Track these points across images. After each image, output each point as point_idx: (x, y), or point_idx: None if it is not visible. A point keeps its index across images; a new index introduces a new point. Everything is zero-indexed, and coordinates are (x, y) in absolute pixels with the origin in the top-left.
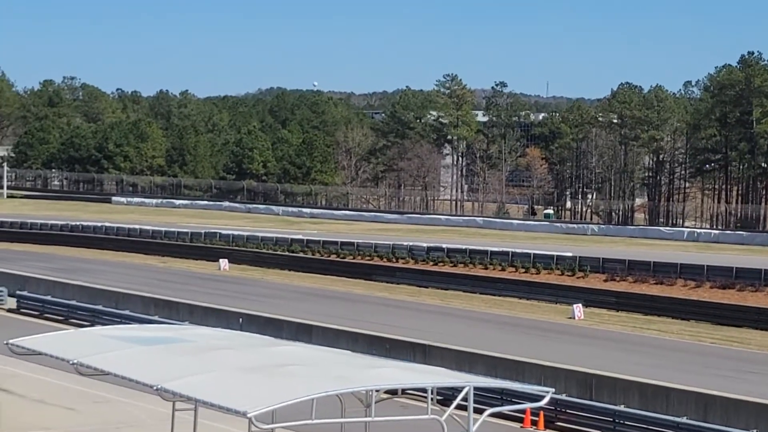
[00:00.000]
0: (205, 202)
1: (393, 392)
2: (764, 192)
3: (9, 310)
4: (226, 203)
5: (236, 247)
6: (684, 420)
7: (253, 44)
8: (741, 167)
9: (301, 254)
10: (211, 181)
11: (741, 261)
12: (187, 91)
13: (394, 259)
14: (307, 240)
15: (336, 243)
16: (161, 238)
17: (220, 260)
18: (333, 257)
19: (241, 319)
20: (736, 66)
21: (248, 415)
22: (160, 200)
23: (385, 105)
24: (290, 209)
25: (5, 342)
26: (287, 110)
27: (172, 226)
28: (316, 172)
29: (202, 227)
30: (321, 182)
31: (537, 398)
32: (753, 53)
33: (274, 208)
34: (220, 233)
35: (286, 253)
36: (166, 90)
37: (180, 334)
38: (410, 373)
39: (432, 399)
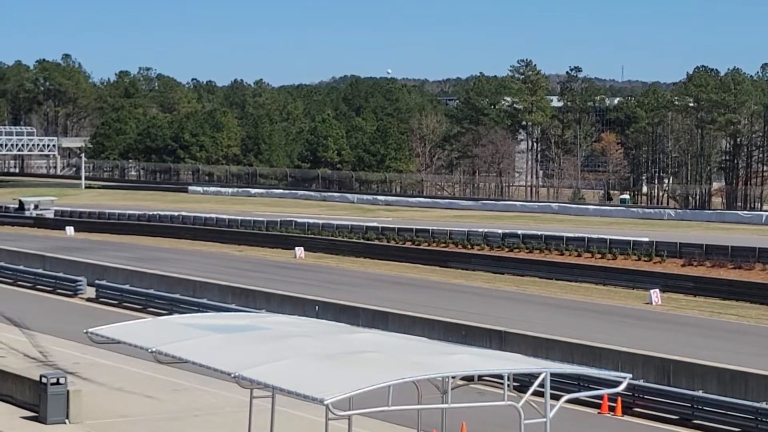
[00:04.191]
0: (281, 191)
1: (469, 379)
2: None
3: (88, 300)
4: (302, 191)
5: (311, 235)
6: (763, 405)
7: (326, 32)
8: None
9: (376, 242)
10: (286, 169)
11: None
12: (261, 80)
13: (469, 246)
14: (382, 227)
15: (411, 230)
16: (237, 227)
17: (296, 248)
18: (408, 244)
19: (317, 307)
20: None
21: (325, 402)
22: (235, 189)
23: (458, 91)
24: (365, 197)
25: (85, 331)
26: (361, 98)
27: (248, 215)
28: (391, 160)
29: (278, 216)
30: (395, 170)
31: (614, 384)
32: None
33: (348, 195)
34: (295, 221)
35: (362, 241)
36: (241, 79)
37: (257, 322)
38: (486, 360)
39: (508, 385)
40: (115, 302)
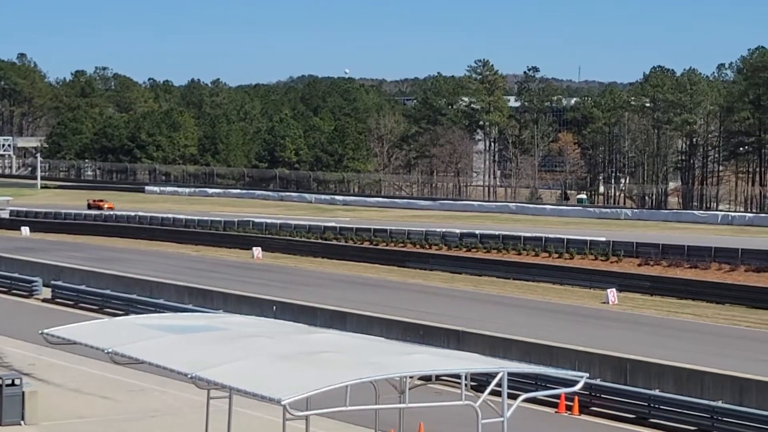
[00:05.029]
0: (238, 191)
1: (427, 378)
2: None
3: (44, 300)
4: (259, 191)
5: (269, 235)
6: (719, 404)
7: (284, 32)
8: None
9: (334, 242)
10: (244, 169)
11: None
12: (218, 79)
13: (427, 246)
14: (340, 227)
15: (369, 230)
16: (194, 227)
17: (254, 248)
18: (366, 244)
19: (275, 307)
20: None
21: (283, 403)
22: (192, 189)
23: (416, 91)
24: (323, 197)
25: (40, 332)
26: (319, 98)
27: (205, 215)
28: (349, 160)
29: (235, 216)
30: (353, 169)
31: (571, 383)
32: None
33: (306, 195)
34: (253, 221)
35: (319, 241)
36: (198, 79)
37: (214, 323)
38: (444, 360)
39: (466, 385)
40: (71, 303)
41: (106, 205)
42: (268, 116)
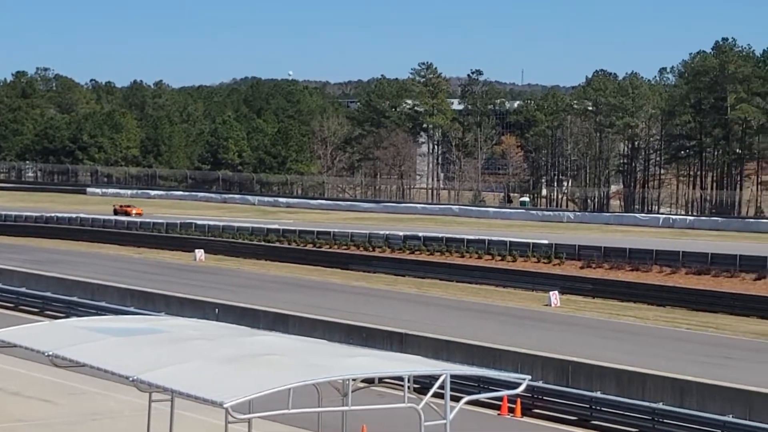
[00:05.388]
0: (181, 193)
1: (370, 381)
2: (739, 178)
3: None
4: (202, 193)
5: (212, 238)
6: (660, 405)
7: (227, 33)
8: (716, 153)
9: (277, 244)
10: (186, 171)
11: (716, 247)
12: (161, 81)
13: (370, 248)
14: (283, 230)
15: (312, 232)
16: (137, 229)
17: (196, 251)
18: (309, 247)
19: (217, 310)
20: (711, 52)
21: (225, 405)
22: (135, 191)
23: (360, 94)
24: (266, 199)
25: None
26: (262, 100)
27: (148, 217)
28: (292, 162)
29: (178, 218)
30: (297, 172)
31: (514, 385)
32: (727, 39)
33: (249, 197)
34: (195, 223)
35: (263, 243)
36: (141, 80)
37: (156, 325)
38: (387, 362)
39: (409, 387)
40: (11, 305)
41: (134, 211)
42: (211, 118)
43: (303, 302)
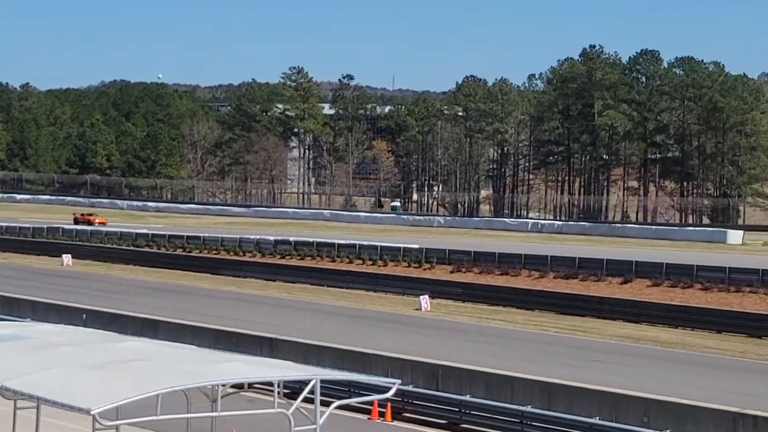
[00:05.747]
0: (48, 197)
1: (239, 386)
2: (606, 183)
3: None
4: (69, 197)
5: (80, 242)
6: (528, 408)
7: (95, 36)
8: (583, 159)
9: (146, 249)
10: (54, 175)
11: (583, 251)
12: (27, 83)
13: (241, 253)
14: (152, 234)
15: (182, 237)
16: (2, 234)
17: (63, 256)
18: (179, 251)
19: (84, 315)
20: (578, 59)
21: (92, 412)
22: (0, 195)
23: (230, 97)
24: (135, 203)
25: None
26: (131, 103)
27: (14, 221)
28: (161, 166)
29: (45, 222)
30: (166, 176)
31: (384, 390)
32: (594, 46)
33: (118, 202)
34: (62, 228)
35: (131, 248)
36: (6, 83)
37: (21, 331)
38: (256, 367)
39: (279, 392)
40: None
41: (97, 220)
42: (79, 121)
43: (172, 307)
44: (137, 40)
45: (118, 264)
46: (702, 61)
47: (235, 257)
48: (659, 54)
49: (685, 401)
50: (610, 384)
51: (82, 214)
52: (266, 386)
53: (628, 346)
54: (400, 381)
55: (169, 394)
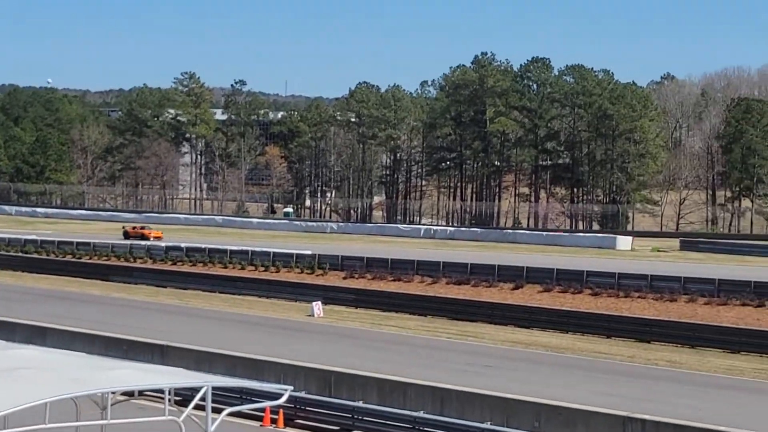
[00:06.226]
0: None
1: (130, 394)
2: (497, 189)
3: None
4: None
5: None
6: (421, 414)
7: None
8: (475, 165)
9: (35, 255)
10: None
11: (475, 257)
12: None
13: (131, 259)
14: (41, 240)
15: (71, 243)
16: None
17: None
18: (68, 258)
19: None
20: (470, 66)
21: None
22: None
23: (121, 102)
24: (23, 209)
25: None
26: (20, 107)
27: None
28: (51, 171)
29: None
30: (56, 181)
31: (276, 396)
32: (486, 54)
33: (6, 207)
34: None
35: (20, 254)
36: None
37: None
38: (147, 374)
39: (170, 400)
40: None
41: (152, 234)
42: None
43: (62, 314)
44: (26, 43)
45: (6, 270)
46: (592, 69)
47: (125, 263)
48: (550, 62)
49: (575, 406)
50: (502, 389)
51: (134, 228)
52: (157, 394)
53: (520, 351)
54: (292, 387)
55: (57, 403)
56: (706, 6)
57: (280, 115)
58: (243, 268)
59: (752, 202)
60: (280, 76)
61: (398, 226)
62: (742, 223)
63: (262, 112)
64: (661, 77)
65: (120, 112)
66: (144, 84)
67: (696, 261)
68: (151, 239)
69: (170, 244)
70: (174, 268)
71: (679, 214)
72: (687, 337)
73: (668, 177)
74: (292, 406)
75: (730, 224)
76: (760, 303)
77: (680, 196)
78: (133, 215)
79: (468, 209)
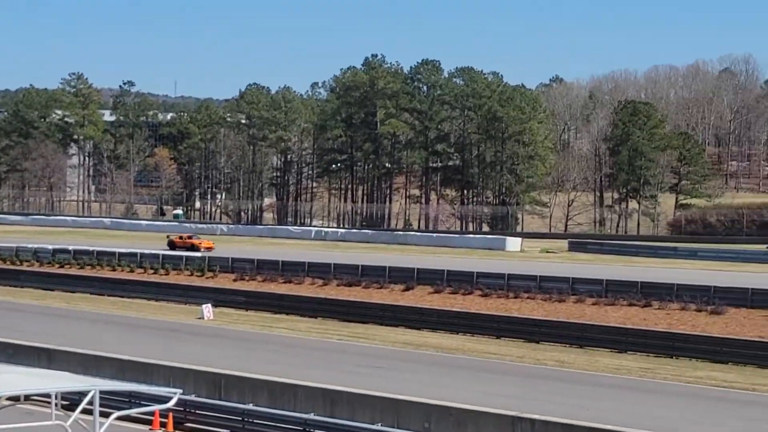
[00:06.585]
0: None
1: (16, 399)
2: (388, 191)
3: None
4: None
5: None
6: (311, 416)
7: None
8: (366, 167)
9: None
10: None
11: (366, 259)
12: None
13: (18, 262)
14: None
15: None
16: None
17: None
18: None
19: None
20: (361, 68)
21: None
22: None
23: (7, 103)
24: None
25: None
26: None
27: None
28: None
29: None
30: None
31: (165, 400)
32: (376, 56)
33: None
34: None
35: None
36: None
37: None
38: (33, 379)
39: (57, 404)
40: None
41: (203, 244)
42: None
43: None
44: None
45: None
46: (481, 71)
47: (11, 266)
48: (440, 64)
49: (465, 406)
50: (393, 390)
51: (180, 237)
52: (44, 398)
53: (410, 352)
54: (181, 391)
55: None
56: (594, 9)
57: (169, 116)
58: (132, 271)
59: (639, 203)
60: (169, 77)
61: (289, 227)
62: (629, 224)
63: (151, 113)
64: (550, 80)
65: (5, 113)
66: (30, 84)
67: (584, 262)
68: (203, 250)
69: (57, 246)
70: (61, 271)
71: (567, 216)
72: (575, 337)
73: (557, 179)
74: (182, 409)
75: (618, 225)
76: (647, 303)
77: (568, 197)
78: (19, 217)
79: (359, 211)
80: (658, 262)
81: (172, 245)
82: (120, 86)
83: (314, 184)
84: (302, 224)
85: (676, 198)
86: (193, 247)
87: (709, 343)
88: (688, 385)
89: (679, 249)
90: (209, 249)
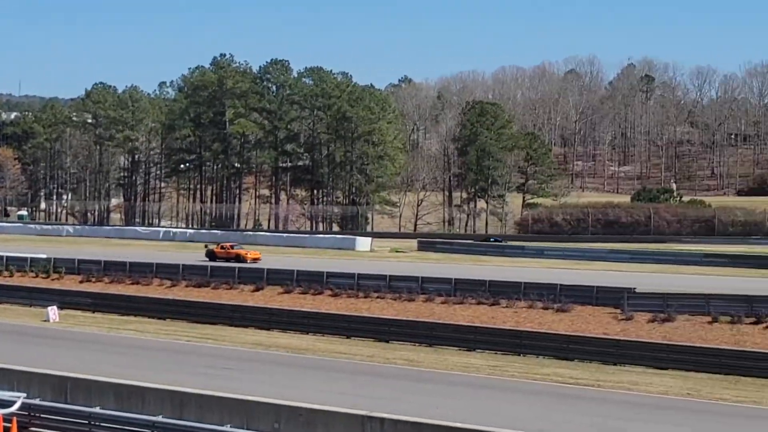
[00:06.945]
0: None
1: None
2: (238, 191)
3: None
4: None
5: None
6: (159, 419)
7: None
8: (215, 167)
9: None
10: None
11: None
12: None
13: None
14: None
15: None
16: None
17: None
18: None
19: None
20: (209, 67)
21: None
22: None
23: None
24: None
25: None
26: None
27: None
28: None
29: None
30: None
31: (8, 404)
32: (225, 55)
33: None
34: None
35: None
36: None
37: None
38: None
39: None
40: None
41: (250, 255)
42: None
43: None
44: None
45: None
46: (331, 71)
47: None
48: (289, 63)
49: (315, 406)
50: (242, 391)
51: (221, 246)
52: None
53: (260, 353)
54: (25, 395)
55: None
56: (441, 10)
57: (13, 115)
58: None
59: (487, 203)
60: (13, 75)
61: (137, 228)
62: (478, 223)
63: None
64: (399, 80)
65: None
66: None
67: (433, 261)
68: (249, 261)
69: None
70: None
71: (417, 215)
72: (425, 336)
73: (406, 179)
74: (26, 413)
75: (466, 225)
76: (495, 301)
77: (418, 197)
78: None
79: (208, 211)
80: (506, 261)
81: (211, 256)
82: None
83: (162, 185)
84: (150, 225)
85: (523, 197)
86: (239, 258)
87: (555, 340)
88: (535, 383)
89: (527, 248)
90: (256, 260)
